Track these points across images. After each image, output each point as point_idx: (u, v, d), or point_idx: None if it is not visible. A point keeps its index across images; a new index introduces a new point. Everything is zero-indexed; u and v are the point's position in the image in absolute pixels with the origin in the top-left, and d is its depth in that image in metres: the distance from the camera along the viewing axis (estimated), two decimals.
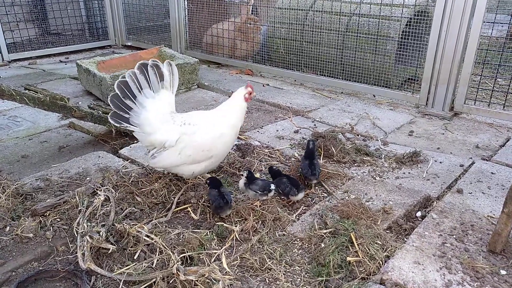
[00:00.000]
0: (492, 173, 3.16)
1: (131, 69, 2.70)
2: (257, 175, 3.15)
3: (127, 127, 2.77)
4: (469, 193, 2.88)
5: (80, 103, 4.74)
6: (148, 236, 2.36)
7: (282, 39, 5.95)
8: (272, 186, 2.78)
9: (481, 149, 3.71)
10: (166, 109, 2.79)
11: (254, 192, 2.76)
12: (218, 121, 2.81)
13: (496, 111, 4.30)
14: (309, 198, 2.91)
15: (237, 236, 2.47)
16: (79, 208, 2.64)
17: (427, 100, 4.69)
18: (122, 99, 2.69)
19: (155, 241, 2.32)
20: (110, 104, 2.71)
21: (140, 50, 6.06)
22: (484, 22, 4.08)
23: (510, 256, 2.20)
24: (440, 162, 3.39)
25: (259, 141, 3.81)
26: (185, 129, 2.74)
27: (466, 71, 4.32)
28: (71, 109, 3.37)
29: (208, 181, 2.74)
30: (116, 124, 2.76)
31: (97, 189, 2.85)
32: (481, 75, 4.55)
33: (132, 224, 2.53)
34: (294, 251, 2.40)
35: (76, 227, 2.49)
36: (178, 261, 2.11)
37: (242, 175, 2.85)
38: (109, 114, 2.76)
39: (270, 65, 6.17)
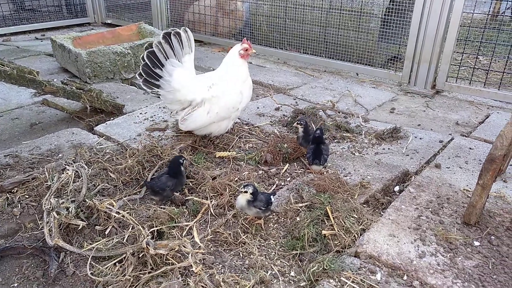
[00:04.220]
0: (470, 148, 3.16)
1: (157, 39, 2.92)
2: (234, 152, 3.09)
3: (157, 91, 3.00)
4: (447, 167, 2.88)
5: (55, 80, 4.55)
6: (118, 213, 2.29)
7: (265, 16, 5.82)
8: (273, 198, 2.35)
9: (461, 126, 3.71)
10: (191, 72, 3.06)
11: (258, 209, 2.25)
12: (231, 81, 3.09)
13: (477, 88, 4.30)
14: (287, 173, 2.87)
15: (212, 211, 2.42)
16: (48, 184, 2.55)
17: (410, 78, 4.66)
18: (152, 68, 2.92)
19: (125, 217, 2.25)
20: (142, 72, 2.92)
21: (119, 27, 5.86)
22: None
23: (484, 228, 2.21)
24: (420, 138, 3.38)
25: (239, 118, 3.73)
26: (212, 91, 3.02)
27: (448, 49, 4.29)
28: (41, 83, 3.23)
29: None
30: (147, 90, 2.99)
31: (68, 165, 2.75)
32: (462, 53, 4.53)
33: (105, 200, 2.46)
34: (269, 225, 2.36)
35: (45, 204, 2.40)
36: (148, 235, 2.05)
37: (246, 192, 2.19)
38: (141, 81, 2.96)
39: (253, 43, 6.01)
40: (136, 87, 4.64)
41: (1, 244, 2.24)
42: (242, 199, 2.22)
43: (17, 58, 5.45)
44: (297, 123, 2.96)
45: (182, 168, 2.62)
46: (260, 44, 5.94)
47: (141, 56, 2.90)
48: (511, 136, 2.01)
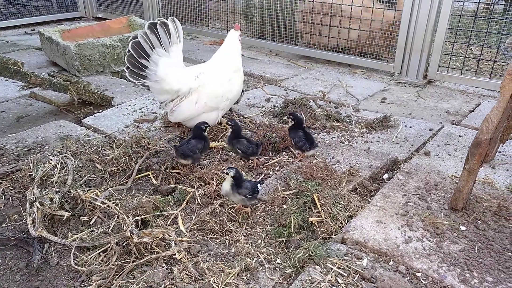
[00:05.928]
0: (459, 136, 3.15)
1: (143, 30, 2.91)
2: (223, 142, 3.06)
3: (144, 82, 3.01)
4: (436, 155, 2.86)
5: (43, 73, 4.52)
6: (103, 203, 2.26)
7: (256, 8, 5.77)
8: (260, 187, 2.30)
9: (452, 115, 3.70)
10: (178, 62, 3.04)
11: (243, 197, 2.20)
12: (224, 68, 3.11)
13: (468, 78, 4.29)
14: (276, 163, 2.85)
15: (198, 200, 2.40)
16: (33, 176, 2.51)
17: (401, 68, 4.64)
18: (137, 58, 2.90)
19: (110, 207, 2.23)
20: (127, 63, 2.93)
21: (108, 20, 5.80)
22: None
23: (471, 213, 2.20)
24: (410, 127, 3.36)
25: (230, 110, 3.70)
26: (199, 80, 3.01)
27: (439, 38, 4.27)
28: (26, 75, 3.18)
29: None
30: (134, 81, 2.98)
31: (53, 156, 2.72)
32: (454, 43, 4.51)
33: (91, 191, 2.43)
34: (256, 213, 2.34)
35: (28, 195, 2.37)
36: (132, 224, 2.03)
37: (227, 174, 2.17)
38: (127, 72, 2.95)
39: (245, 35, 5.99)
40: (126, 79, 4.60)
41: None
42: (226, 185, 2.20)
43: (6, 52, 5.39)
44: (226, 123, 2.95)
45: (205, 134, 2.77)
46: (252, 36, 5.89)
47: (127, 48, 2.87)
48: (496, 120, 2.00)
